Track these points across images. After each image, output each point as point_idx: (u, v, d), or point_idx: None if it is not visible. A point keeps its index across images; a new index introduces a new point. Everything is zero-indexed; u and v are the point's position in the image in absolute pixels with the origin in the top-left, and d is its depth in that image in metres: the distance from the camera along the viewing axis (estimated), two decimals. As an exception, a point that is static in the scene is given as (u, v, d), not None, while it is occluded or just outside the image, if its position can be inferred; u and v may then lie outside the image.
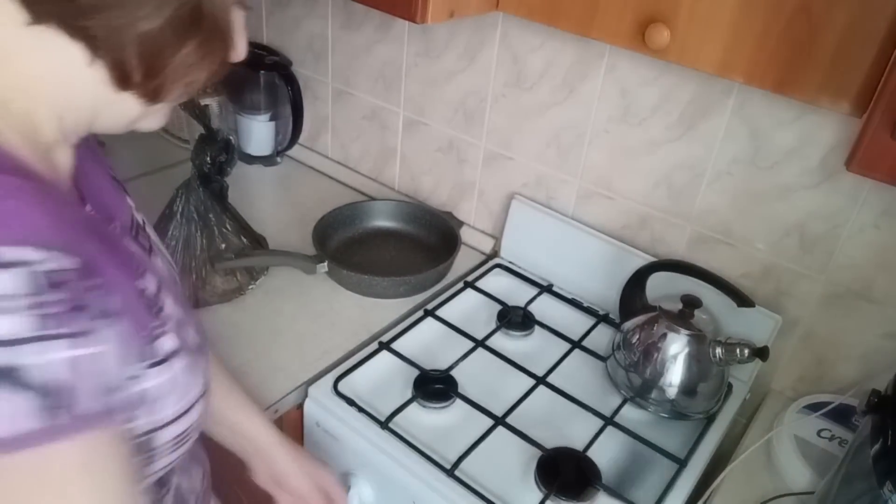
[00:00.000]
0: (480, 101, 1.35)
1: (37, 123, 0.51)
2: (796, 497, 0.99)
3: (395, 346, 1.16)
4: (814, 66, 0.73)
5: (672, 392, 1.07)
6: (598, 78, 1.18)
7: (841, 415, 1.06)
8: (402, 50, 1.41)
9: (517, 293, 1.32)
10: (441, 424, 1.05)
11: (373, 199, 1.53)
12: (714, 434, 1.08)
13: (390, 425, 1.02)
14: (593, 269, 1.29)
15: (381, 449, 1.00)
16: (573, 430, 1.06)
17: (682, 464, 1.01)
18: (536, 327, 1.25)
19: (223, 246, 1.24)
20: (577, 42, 1.18)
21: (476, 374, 1.14)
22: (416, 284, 1.29)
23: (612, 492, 0.96)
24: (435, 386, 1.09)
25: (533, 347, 1.22)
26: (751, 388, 1.18)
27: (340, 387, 1.07)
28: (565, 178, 1.30)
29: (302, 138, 1.67)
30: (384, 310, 1.26)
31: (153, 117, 0.56)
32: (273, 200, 1.56)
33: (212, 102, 1.56)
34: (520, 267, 1.39)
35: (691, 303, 1.08)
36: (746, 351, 1.02)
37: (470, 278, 1.34)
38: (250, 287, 1.26)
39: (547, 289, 1.34)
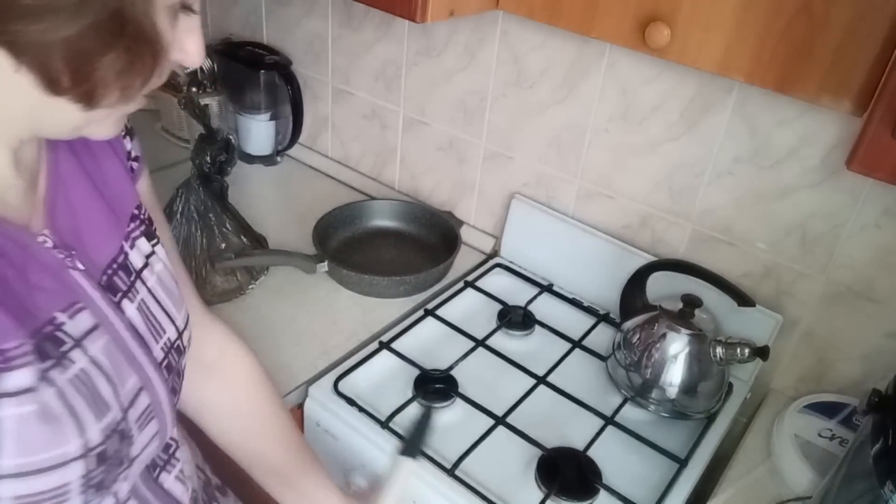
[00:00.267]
0: (480, 100, 1.34)
1: None
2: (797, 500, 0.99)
3: (395, 345, 1.16)
4: (815, 65, 0.73)
5: (672, 392, 1.07)
6: (598, 77, 1.18)
7: (841, 414, 1.06)
8: (402, 49, 1.41)
9: (517, 293, 1.32)
10: (441, 424, 1.05)
11: (373, 198, 1.53)
12: (714, 434, 1.08)
13: (391, 425, 1.02)
14: (594, 269, 1.29)
15: (381, 448, 1.00)
16: (573, 430, 1.06)
17: (682, 463, 1.01)
18: (537, 327, 1.25)
19: (223, 245, 1.24)
20: (577, 41, 1.18)
21: (476, 374, 1.14)
22: (416, 284, 1.29)
23: (613, 492, 0.96)
24: (435, 385, 1.09)
25: (533, 347, 1.22)
26: (751, 388, 1.18)
27: (341, 386, 1.07)
28: (565, 177, 1.30)
29: (302, 138, 1.67)
30: (384, 309, 1.26)
31: (103, 124, 0.56)
32: (273, 200, 1.56)
33: (212, 102, 1.56)
34: (520, 266, 1.39)
35: (692, 302, 1.08)
36: (747, 350, 1.02)
37: (470, 278, 1.34)
38: (250, 287, 1.26)
39: (547, 288, 1.34)
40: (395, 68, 1.44)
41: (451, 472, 0.96)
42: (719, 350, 1.04)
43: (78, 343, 0.57)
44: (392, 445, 1.00)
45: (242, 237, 1.27)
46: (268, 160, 1.66)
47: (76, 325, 0.57)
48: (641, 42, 0.82)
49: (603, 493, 0.96)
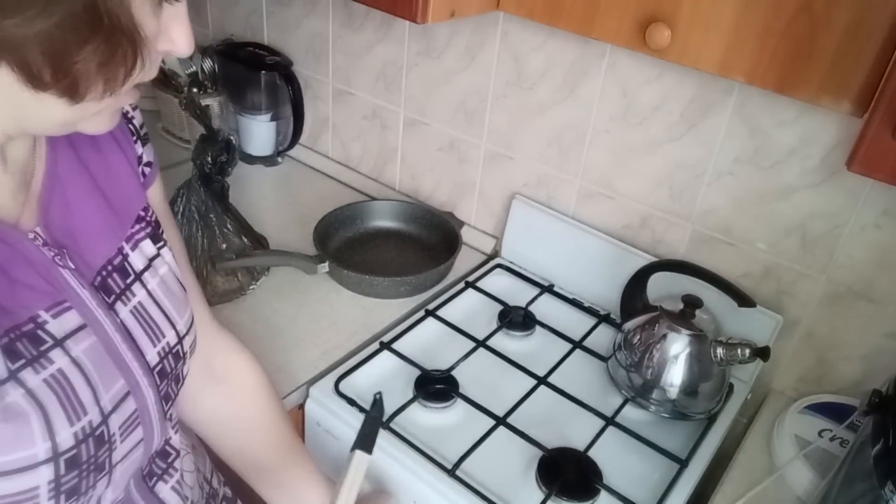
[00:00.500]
0: (481, 100, 1.35)
1: None
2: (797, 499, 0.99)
3: (396, 346, 1.16)
4: (815, 66, 0.73)
5: (673, 392, 1.07)
6: (598, 77, 1.18)
7: (842, 415, 1.06)
8: (403, 50, 1.41)
9: (518, 293, 1.32)
10: (442, 424, 1.05)
11: (373, 199, 1.53)
12: (715, 434, 1.08)
13: (391, 425, 1.02)
14: (594, 269, 1.29)
15: (381, 448, 1.00)
16: (574, 431, 1.06)
17: (683, 464, 1.01)
18: (537, 327, 1.25)
19: (224, 246, 1.24)
20: (577, 41, 1.18)
21: (477, 375, 1.14)
22: (416, 284, 1.29)
23: (614, 492, 0.96)
24: (436, 386, 1.09)
25: (534, 347, 1.22)
26: (752, 388, 1.18)
27: (341, 387, 1.07)
28: (566, 177, 1.30)
29: (303, 138, 1.67)
30: (385, 310, 1.26)
31: (96, 119, 0.55)
32: (274, 200, 1.56)
33: (212, 102, 1.56)
34: (521, 267, 1.39)
35: (692, 303, 1.08)
36: (747, 351, 1.02)
37: (471, 278, 1.34)
38: (251, 287, 1.26)
39: (548, 289, 1.34)
40: (395, 69, 1.44)
41: (451, 473, 0.96)
42: (720, 350, 1.04)
43: (59, 343, 0.56)
44: (393, 446, 1.00)
45: (243, 238, 1.27)
46: (268, 161, 1.66)
47: (60, 324, 0.57)
48: (642, 43, 0.82)
49: (603, 494, 0.96)
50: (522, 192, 1.37)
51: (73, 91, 0.49)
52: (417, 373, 1.11)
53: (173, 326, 0.69)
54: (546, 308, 1.29)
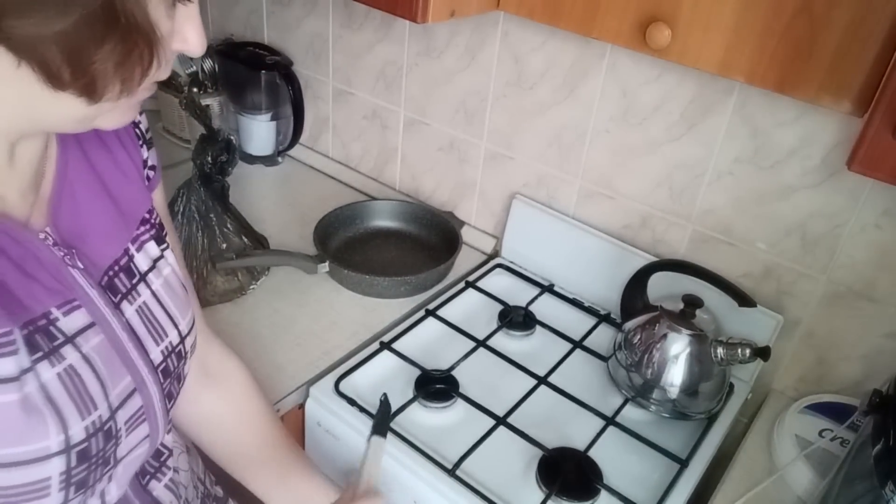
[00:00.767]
0: (481, 100, 1.35)
1: None
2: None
3: (396, 345, 1.16)
4: (815, 66, 0.73)
5: (673, 392, 1.07)
6: (598, 77, 1.18)
7: (842, 414, 1.06)
8: (403, 49, 1.41)
9: (518, 293, 1.32)
10: (442, 424, 1.05)
11: (374, 198, 1.53)
12: (715, 434, 1.08)
13: (391, 425, 1.02)
14: (594, 269, 1.29)
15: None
16: (574, 430, 1.06)
17: (683, 464, 1.01)
18: (537, 327, 1.25)
19: (224, 246, 1.24)
20: (577, 41, 1.18)
21: (477, 374, 1.14)
22: (417, 284, 1.29)
23: (614, 492, 0.96)
24: (436, 386, 1.09)
25: (534, 347, 1.22)
26: (752, 388, 1.18)
27: (342, 386, 1.07)
28: (566, 177, 1.30)
29: (303, 138, 1.67)
30: (385, 310, 1.26)
31: (113, 115, 0.56)
32: (274, 200, 1.56)
33: (213, 102, 1.57)
34: (521, 267, 1.39)
35: (692, 303, 1.08)
36: (748, 351, 1.02)
37: (471, 278, 1.35)
38: (251, 287, 1.26)
39: (548, 289, 1.34)
40: (395, 69, 1.44)
41: (451, 473, 0.96)
42: (720, 350, 1.04)
43: (70, 340, 0.57)
44: (393, 445, 1.00)
45: (243, 237, 1.27)
46: (269, 160, 1.66)
47: (70, 321, 0.58)
48: (642, 42, 0.82)
49: (604, 494, 0.96)
50: (523, 191, 1.37)
51: (90, 90, 0.50)
52: (417, 373, 1.11)
53: (176, 326, 0.70)
54: (546, 308, 1.29)
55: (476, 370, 1.14)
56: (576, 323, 1.27)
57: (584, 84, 1.20)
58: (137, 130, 0.72)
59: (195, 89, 1.54)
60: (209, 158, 1.20)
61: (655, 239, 1.24)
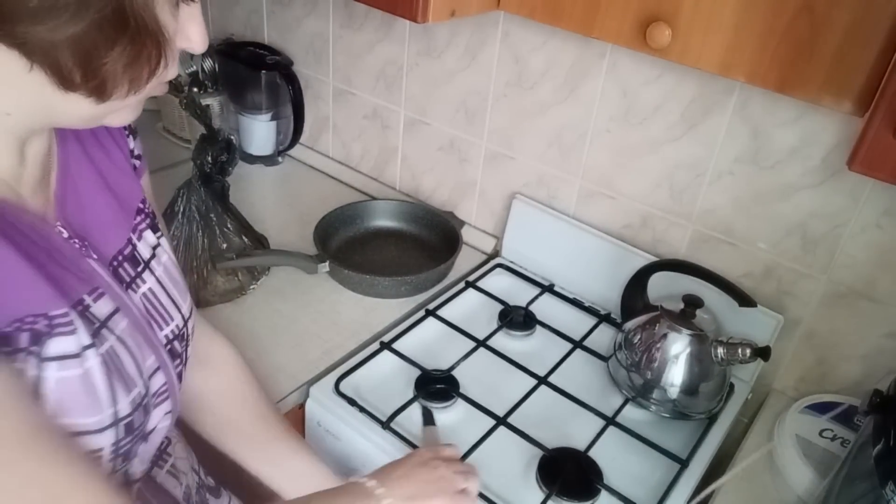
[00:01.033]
0: (482, 100, 1.34)
1: None
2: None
3: (396, 345, 1.16)
4: (816, 66, 0.73)
5: (674, 392, 1.07)
6: (599, 77, 1.18)
7: (843, 415, 1.06)
8: (403, 49, 1.41)
9: (518, 293, 1.32)
10: (442, 424, 1.05)
11: (374, 198, 1.53)
12: (716, 434, 1.08)
13: (392, 425, 1.02)
14: (595, 269, 1.29)
15: (382, 449, 1.00)
16: (575, 430, 1.06)
17: (683, 464, 1.01)
18: (538, 327, 1.25)
19: (224, 245, 1.24)
20: (578, 41, 1.18)
21: (477, 374, 1.14)
22: (417, 284, 1.29)
23: (614, 492, 0.96)
24: (436, 386, 1.09)
25: (534, 347, 1.22)
26: (752, 388, 1.18)
27: (342, 386, 1.07)
28: (566, 177, 1.30)
29: (303, 138, 1.67)
30: (385, 310, 1.26)
31: (121, 113, 0.58)
32: (274, 200, 1.56)
33: (213, 102, 1.57)
34: (521, 267, 1.39)
35: (693, 302, 1.08)
36: (748, 351, 1.02)
37: (471, 278, 1.34)
38: (252, 287, 1.26)
39: (548, 288, 1.34)
40: (396, 68, 1.44)
41: (452, 473, 0.96)
42: (720, 350, 1.04)
43: (104, 324, 0.60)
44: (393, 446, 1.00)
45: (244, 237, 1.27)
46: (269, 160, 1.66)
47: (99, 308, 0.61)
48: (642, 42, 0.82)
49: (604, 494, 0.96)
50: (523, 191, 1.37)
51: (100, 91, 0.52)
52: (418, 373, 1.11)
53: (179, 310, 0.73)
54: (546, 308, 1.29)
55: (476, 370, 1.14)
56: (576, 323, 1.27)
57: (585, 84, 1.20)
58: None
59: (195, 89, 1.54)
60: (209, 158, 1.20)
61: (656, 239, 1.24)
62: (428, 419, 1.04)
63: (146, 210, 0.73)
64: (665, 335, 1.07)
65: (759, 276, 1.14)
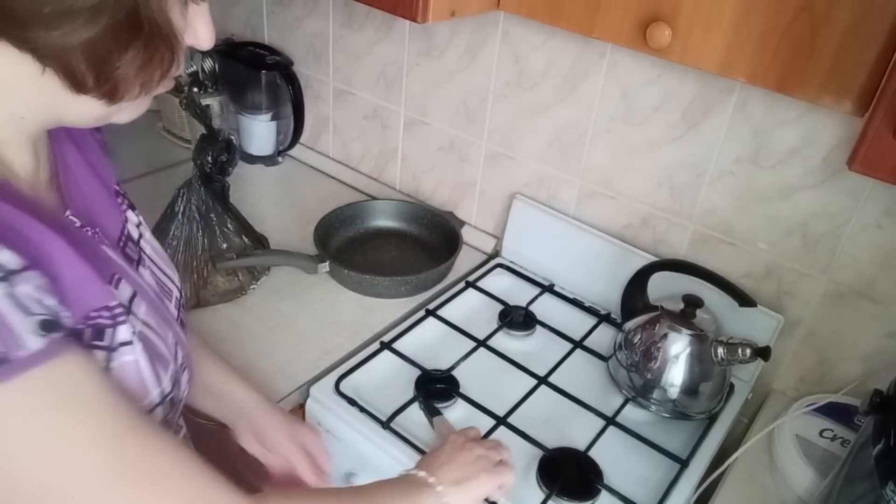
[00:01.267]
0: (482, 100, 1.34)
1: None
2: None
3: (396, 345, 1.16)
4: (816, 66, 0.73)
5: (674, 392, 1.07)
6: (599, 77, 1.18)
7: (843, 414, 1.06)
8: (404, 49, 1.41)
9: (518, 293, 1.32)
10: (442, 424, 1.05)
11: (374, 198, 1.53)
12: (716, 434, 1.08)
13: (392, 425, 1.02)
14: (595, 269, 1.29)
15: (382, 449, 1.00)
16: (575, 430, 1.06)
17: (683, 464, 1.01)
18: (538, 327, 1.25)
19: (224, 245, 1.24)
20: (578, 41, 1.18)
21: (477, 374, 1.14)
22: (417, 284, 1.29)
23: (614, 492, 0.96)
24: (436, 386, 1.09)
25: (534, 347, 1.22)
26: (753, 388, 1.18)
27: (342, 386, 1.07)
28: (567, 177, 1.30)
29: (303, 138, 1.67)
30: (386, 310, 1.26)
31: (129, 110, 0.58)
32: (274, 200, 1.56)
33: (213, 102, 1.57)
34: (521, 267, 1.39)
35: (693, 302, 1.08)
36: (748, 351, 1.02)
37: (471, 278, 1.34)
38: (252, 287, 1.26)
39: (548, 288, 1.34)
40: (396, 68, 1.44)
41: (452, 473, 0.96)
42: (720, 350, 1.04)
43: (130, 310, 0.61)
44: (393, 446, 1.00)
45: (244, 237, 1.27)
46: (269, 160, 1.66)
47: (121, 293, 0.62)
48: (643, 42, 0.82)
49: (604, 494, 0.96)
50: (523, 191, 1.37)
51: (112, 93, 0.53)
52: (418, 373, 1.11)
53: (173, 281, 0.75)
54: (546, 308, 1.29)
55: (476, 370, 1.14)
56: (576, 323, 1.27)
57: (585, 84, 1.20)
58: None
59: (195, 89, 1.54)
60: (209, 158, 1.20)
61: (656, 239, 1.24)
62: (433, 411, 1.04)
63: (121, 191, 0.74)
64: (665, 335, 1.07)
65: (760, 276, 1.14)
